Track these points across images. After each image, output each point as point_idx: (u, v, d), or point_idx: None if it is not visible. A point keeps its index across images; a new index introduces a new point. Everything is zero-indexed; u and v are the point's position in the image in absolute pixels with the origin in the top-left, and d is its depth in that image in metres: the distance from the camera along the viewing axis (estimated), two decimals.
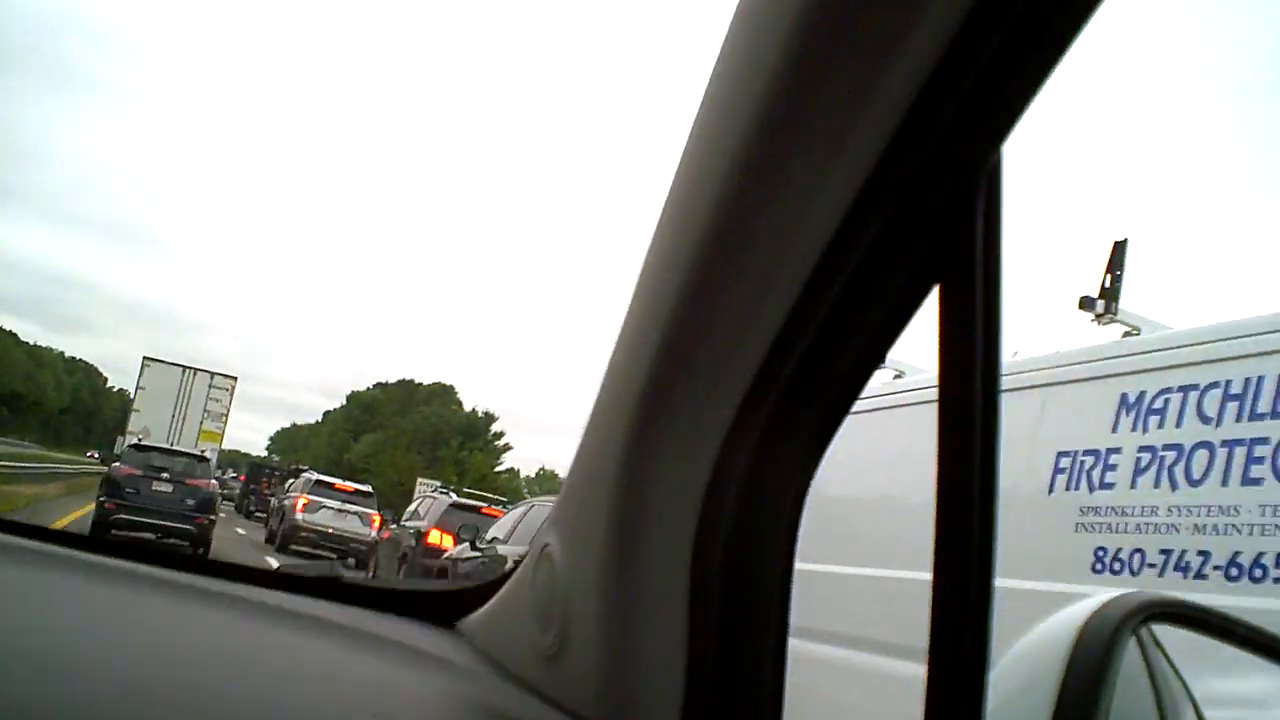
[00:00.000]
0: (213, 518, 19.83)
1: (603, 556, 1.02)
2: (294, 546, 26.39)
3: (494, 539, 14.02)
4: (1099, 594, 0.99)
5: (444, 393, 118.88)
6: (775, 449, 0.97)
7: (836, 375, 0.95)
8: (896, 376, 6.65)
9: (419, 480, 52.06)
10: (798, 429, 0.97)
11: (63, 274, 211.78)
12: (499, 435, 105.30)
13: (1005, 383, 3.78)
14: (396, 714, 1.09)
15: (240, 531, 32.35)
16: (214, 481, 21.15)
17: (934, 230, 0.83)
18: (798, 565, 4.16)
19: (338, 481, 30.47)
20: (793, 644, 4.26)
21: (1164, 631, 1.11)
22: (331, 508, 27.46)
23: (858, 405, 4.39)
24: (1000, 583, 3.44)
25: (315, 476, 30.57)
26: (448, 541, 16.81)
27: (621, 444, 0.99)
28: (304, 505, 27.35)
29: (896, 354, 6.55)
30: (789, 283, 0.87)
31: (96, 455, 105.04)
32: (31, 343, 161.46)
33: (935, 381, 3.83)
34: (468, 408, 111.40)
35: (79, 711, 0.84)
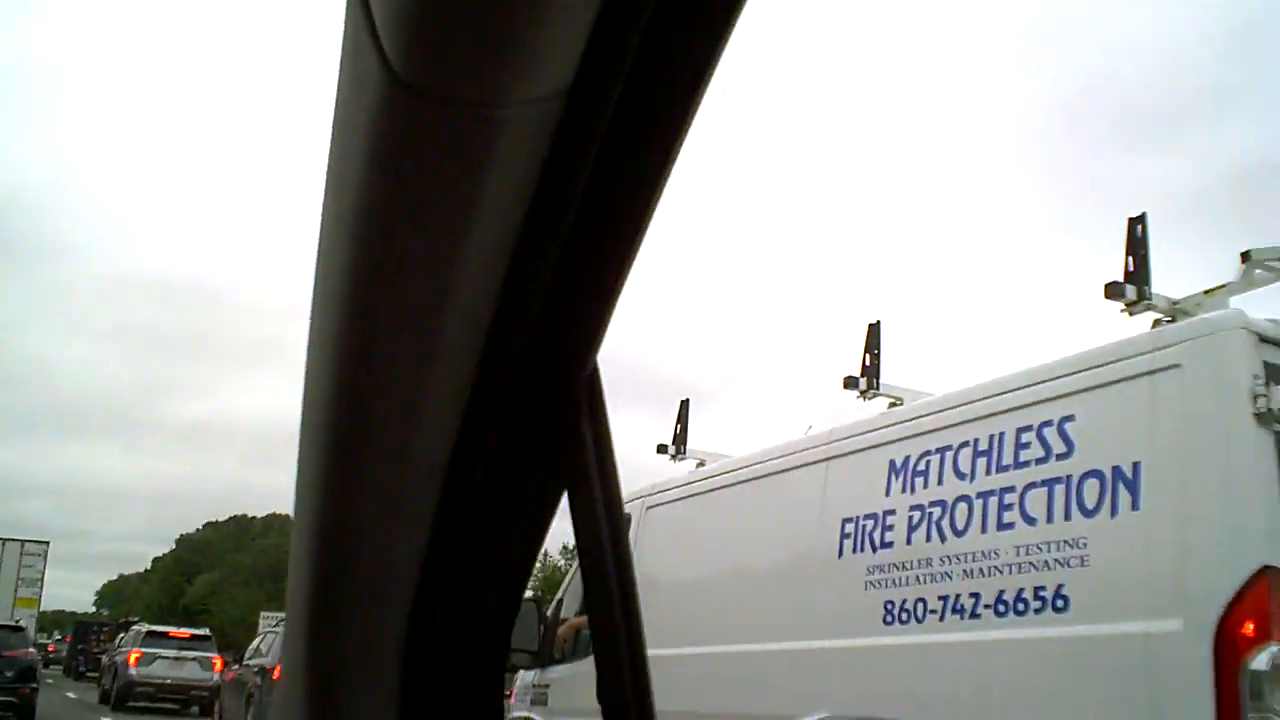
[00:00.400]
0: (34, 685, 19.32)
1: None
2: (131, 703, 25.24)
3: None
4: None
5: (280, 523, 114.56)
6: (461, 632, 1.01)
7: (497, 584, 1.02)
8: (699, 464, 7.09)
9: (261, 614, 50.01)
10: (479, 614, 1.02)
11: None
12: None
13: (795, 460, 4.25)
14: None
15: (71, 695, 31.04)
16: (32, 650, 20.83)
17: (549, 446, 0.92)
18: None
19: (171, 629, 29.37)
20: None
21: None
22: (167, 657, 26.18)
23: (668, 494, 4.73)
24: (813, 644, 3.85)
25: (146, 628, 29.14)
26: None
27: (303, 633, 1.01)
28: (137, 659, 26.03)
29: (698, 444, 6.92)
30: (421, 512, 0.92)
31: None
32: None
33: (737, 465, 4.24)
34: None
35: None
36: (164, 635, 27.70)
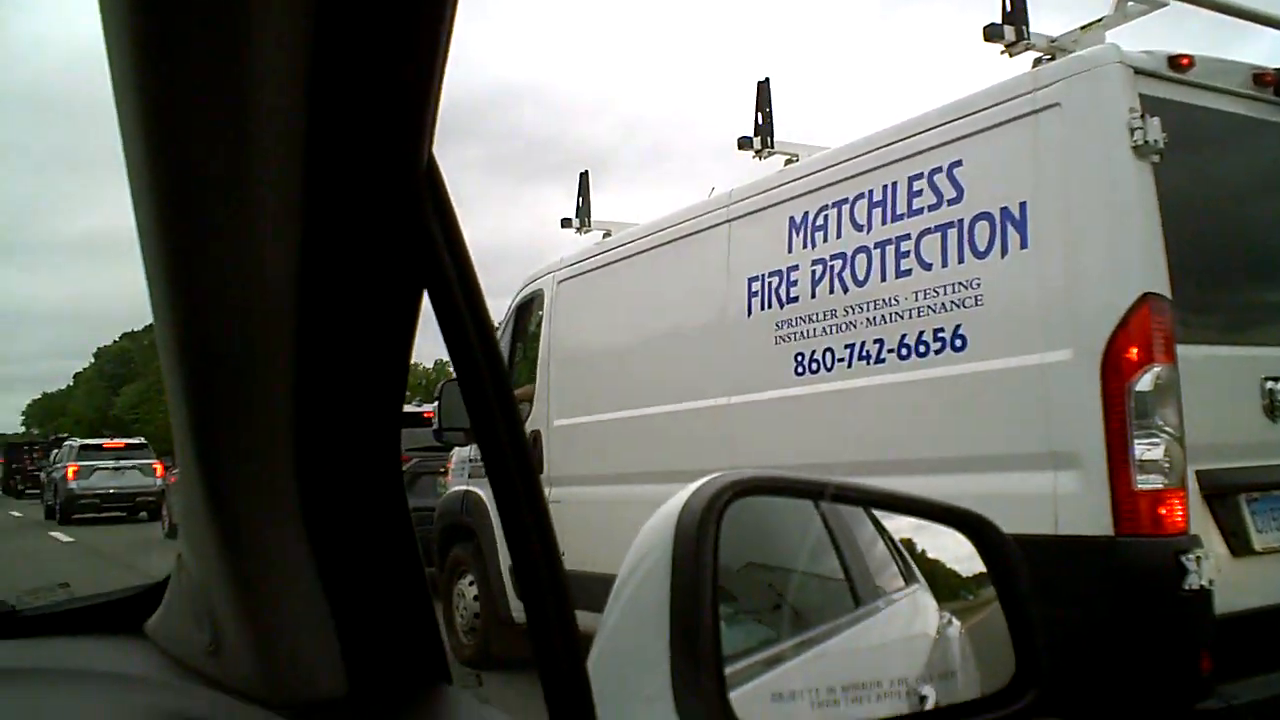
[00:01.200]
0: None
1: (217, 551, 1.04)
2: (77, 516, 25.78)
3: None
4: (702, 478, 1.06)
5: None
6: (350, 433, 1.01)
7: (372, 386, 1.01)
8: (605, 235, 7.09)
9: None
10: (362, 419, 1.02)
11: None
12: None
13: (699, 224, 4.34)
14: None
15: (16, 514, 31.40)
16: None
17: (398, 249, 0.90)
18: (561, 421, 6.26)
19: (106, 441, 30.11)
20: (570, 490, 4.73)
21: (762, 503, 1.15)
22: (106, 468, 26.76)
23: (577, 267, 4.76)
24: (731, 399, 4.05)
25: (79, 442, 29.39)
26: None
27: (194, 448, 0.98)
28: (76, 473, 26.51)
29: (603, 215, 6.92)
30: (279, 318, 0.90)
31: None
32: None
33: (642, 233, 5.22)
34: None
35: None
36: (99, 448, 28.29)
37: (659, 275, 6.15)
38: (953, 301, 4.30)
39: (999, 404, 4.14)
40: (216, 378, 0.93)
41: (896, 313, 4.59)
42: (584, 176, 7.31)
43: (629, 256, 6.36)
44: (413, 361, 1.05)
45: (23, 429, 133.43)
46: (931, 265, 4.41)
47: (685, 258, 5.92)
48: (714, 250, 5.64)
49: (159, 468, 26.27)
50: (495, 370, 0.91)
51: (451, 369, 1.00)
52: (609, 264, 6.55)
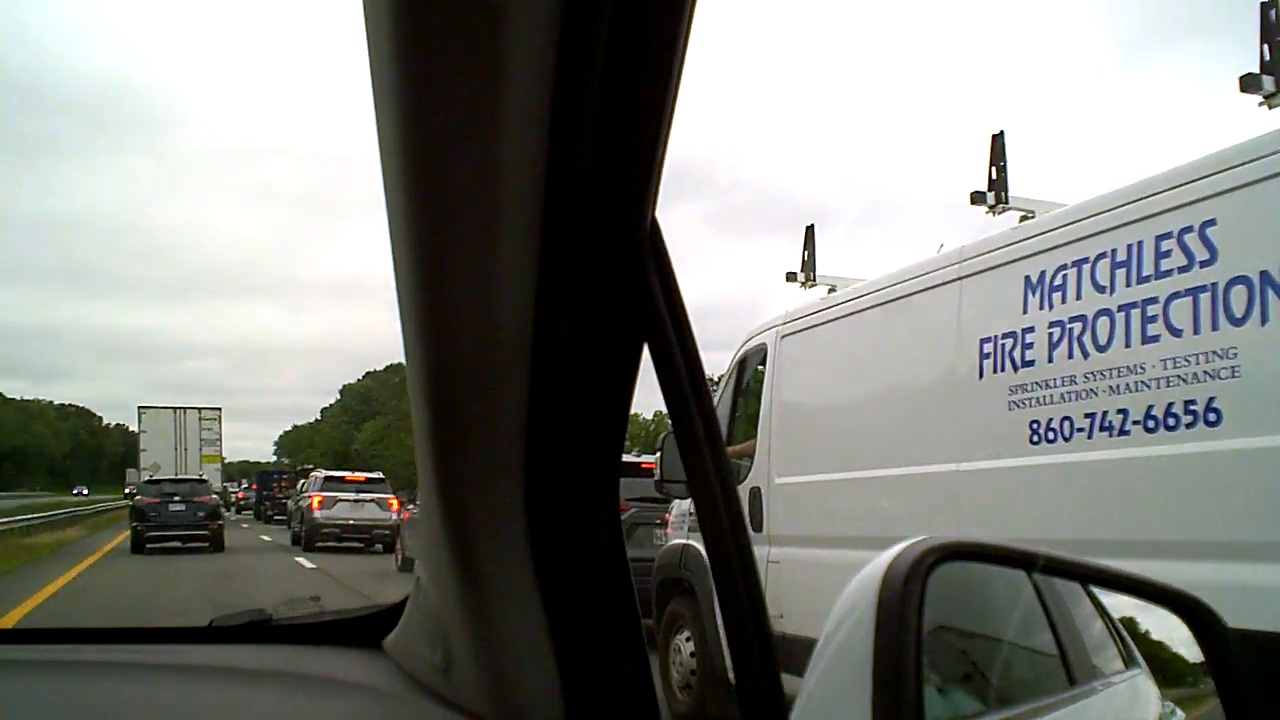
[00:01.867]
0: (220, 522, 25.74)
1: (452, 579, 1.12)
2: (319, 544, 26.59)
3: None
4: (907, 539, 1.01)
5: None
6: (573, 477, 1.07)
7: (594, 433, 1.06)
8: (830, 290, 7.00)
9: None
10: (585, 464, 1.07)
11: (36, 328, 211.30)
12: None
13: (928, 281, 4.19)
14: None
15: (265, 538, 32.79)
16: (215, 496, 27.04)
17: (621, 303, 0.97)
18: (781, 479, 6.03)
19: (348, 474, 30.77)
20: (789, 551, 5.61)
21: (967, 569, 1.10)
22: (347, 500, 27.57)
23: (801, 322, 6.24)
24: (960, 466, 3.85)
25: (324, 474, 30.70)
26: None
27: (437, 484, 1.07)
28: (320, 503, 27.48)
29: (827, 270, 6.86)
30: (515, 364, 0.97)
31: (85, 491, 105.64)
32: (19, 398, 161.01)
33: (869, 289, 5.88)
34: None
35: None
36: (341, 480, 29.22)
37: (885, 333, 6.01)
38: (1205, 372, 3.99)
39: (1256, 486, 3.80)
40: (458, 420, 1.01)
41: (1142, 381, 4.30)
42: (809, 230, 7.26)
43: (855, 312, 6.25)
44: (633, 412, 1.10)
45: (274, 458, 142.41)
46: (1181, 331, 4.11)
47: (913, 315, 5.76)
48: (944, 309, 5.47)
49: (395, 503, 27.02)
50: (709, 425, 0.97)
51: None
52: (834, 319, 6.45)
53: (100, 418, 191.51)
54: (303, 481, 35.18)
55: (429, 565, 1.21)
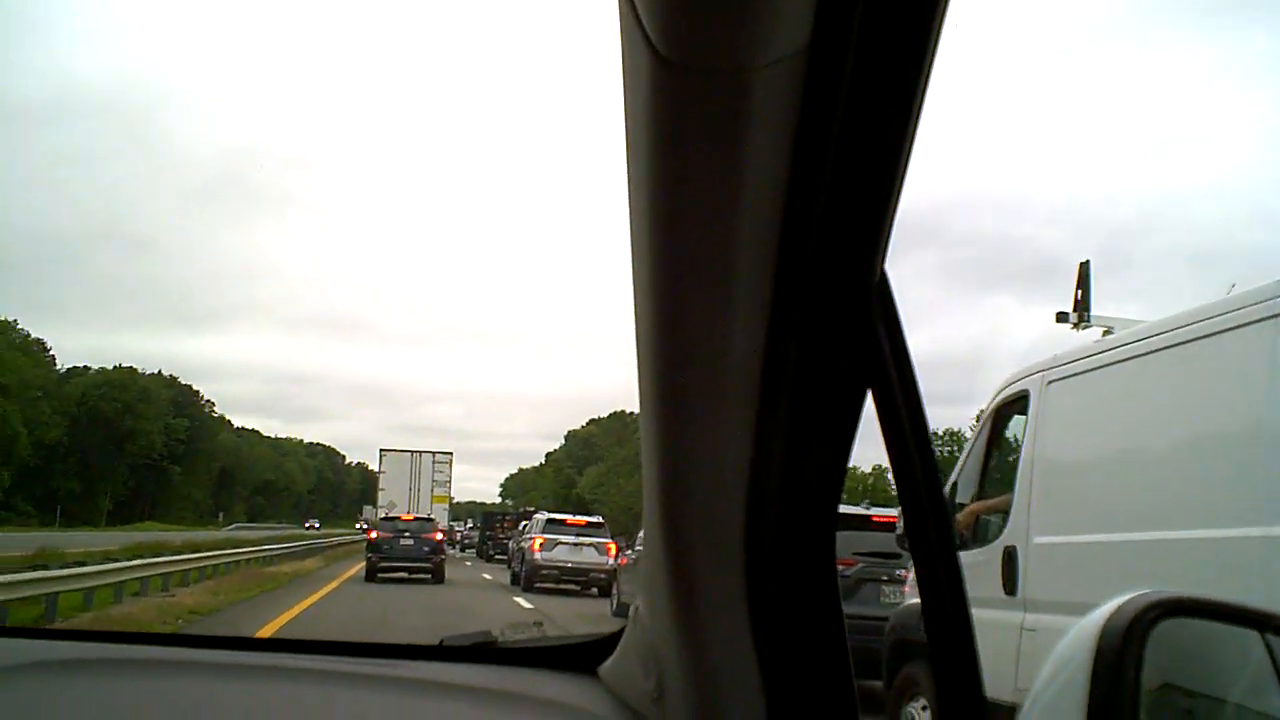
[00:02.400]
0: (443, 557, 29.09)
1: (669, 613, 1.17)
2: (538, 584, 27.09)
3: None
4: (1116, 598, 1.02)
5: None
6: (792, 523, 1.09)
7: (815, 480, 1.07)
8: (1106, 333, 6.33)
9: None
10: (804, 510, 1.09)
11: (293, 372, 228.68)
12: None
13: (1229, 321, 4.81)
14: None
15: (486, 576, 34.13)
16: (440, 533, 30.31)
17: (848, 352, 0.99)
18: (1043, 539, 5.54)
19: (569, 517, 31.22)
20: (1048, 619, 5.27)
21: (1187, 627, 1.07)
22: (567, 543, 27.73)
23: (1072, 366, 5.80)
24: (1261, 531, 3.20)
25: (546, 516, 31.04)
26: None
27: (661, 518, 1.12)
28: (540, 545, 27.72)
29: (1102, 311, 6.32)
30: (742, 408, 1.00)
31: (316, 524, 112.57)
32: (274, 436, 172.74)
33: (1156, 329, 5.07)
34: None
35: None
36: (562, 523, 29.50)
37: (1179, 378, 5.31)
38: None
39: None
40: (685, 461, 1.07)
41: None
42: (1084, 267, 6.60)
43: (1143, 354, 5.55)
44: (850, 464, 1.11)
45: (499, 499, 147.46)
46: None
47: (1212, 360, 5.05)
48: (1252, 353, 4.76)
49: (613, 548, 27.16)
50: (930, 479, 1.01)
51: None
52: (1115, 362, 5.77)
53: (344, 456, 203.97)
54: (525, 523, 35.62)
55: (647, 598, 1.27)
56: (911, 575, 7.41)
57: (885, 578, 9.02)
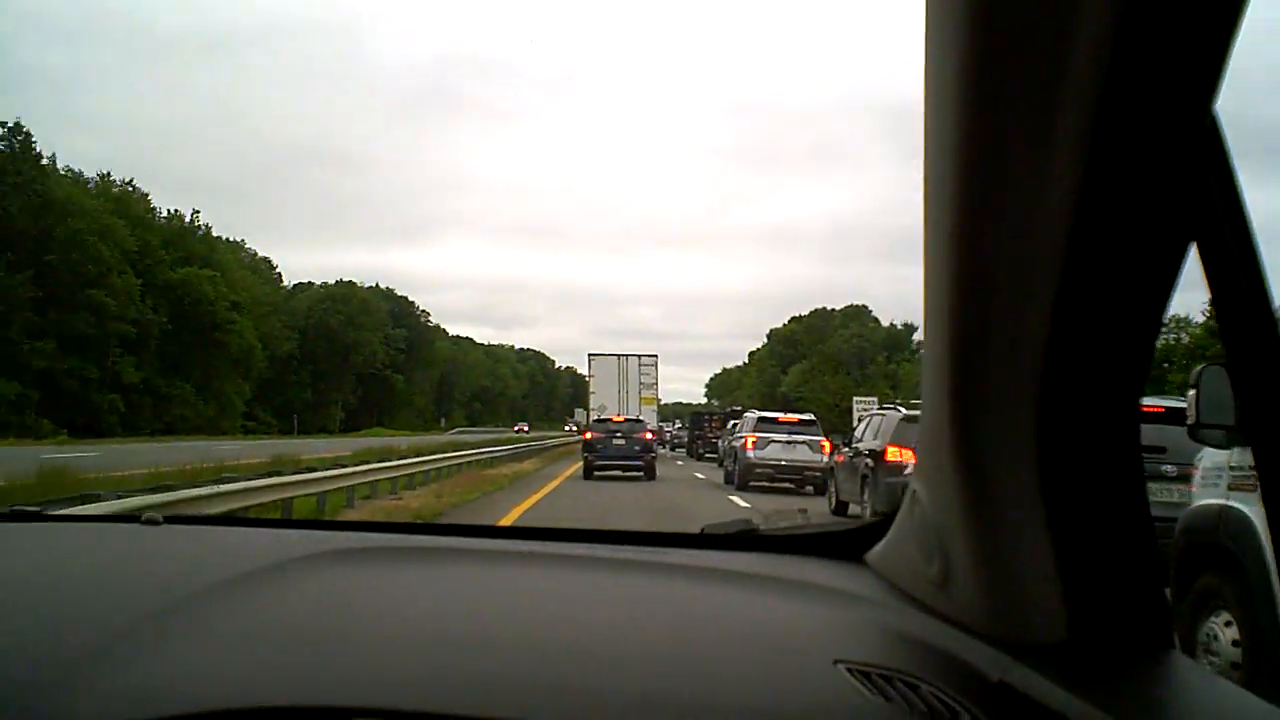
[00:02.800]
0: (653, 455, 30.99)
1: (963, 503, 1.12)
2: (752, 483, 26.69)
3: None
4: None
5: (859, 314, 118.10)
6: (1092, 397, 1.03)
7: (1120, 348, 1.00)
8: None
9: (854, 400, 51.92)
10: (1106, 382, 1.02)
11: (500, 280, 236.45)
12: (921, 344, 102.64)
13: None
14: (803, 645, 1.23)
15: (699, 475, 33.74)
16: (650, 433, 32.04)
17: (1169, 201, 0.90)
18: None
19: (780, 415, 30.54)
20: None
21: None
22: (779, 441, 27.18)
23: None
24: None
25: (757, 414, 30.53)
26: (907, 456, 15.69)
27: (950, 406, 1.08)
28: (753, 444, 27.26)
29: None
30: (1047, 270, 0.93)
31: (525, 428, 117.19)
32: (486, 343, 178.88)
33: None
34: (884, 323, 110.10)
35: (559, 682, 1.06)
36: (774, 421, 28.93)
37: None
38: None
39: None
40: (975, 332, 1.02)
41: None
42: None
43: None
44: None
45: (704, 400, 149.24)
46: None
47: None
48: None
49: (827, 445, 26.30)
50: (1273, 351, 0.93)
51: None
52: None
53: (553, 361, 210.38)
54: (735, 422, 35.41)
55: (930, 482, 1.23)
56: (1199, 470, 6.49)
57: (1164, 473, 8.25)
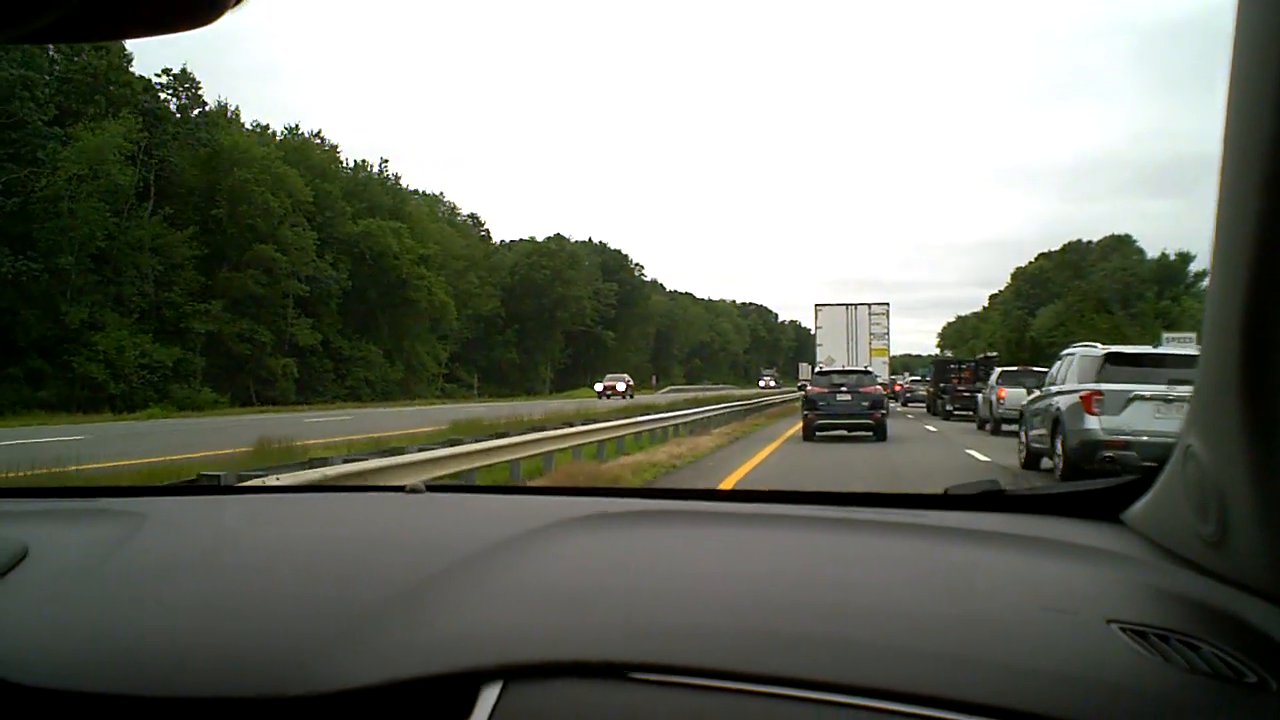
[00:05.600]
0: (884, 412, 25.82)
1: (1248, 454, 1.08)
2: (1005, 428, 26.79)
3: None
4: None
5: (1120, 244, 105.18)
6: None
7: None
8: None
9: (1165, 337, 41.61)
10: None
11: (719, 232, 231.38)
12: (1201, 274, 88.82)
13: None
14: (1070, 604, 1.18)
15: (931, 429, 29.58)
16: (879, 386, 26.92)
17: None
18: None
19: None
20: None
21: None
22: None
23: None
24: None
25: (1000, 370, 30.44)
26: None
27: (1239, 353, 1.05)
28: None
29: None
30: None
31: (773, 382, 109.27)
32: (707, 298, 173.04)
33: None
34: (1152, 255, 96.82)
35: (804, 635, 1.07)
36: (1018, 371, 29.75)
37: None
38: None
39: None
40: (1272, 259, 0.98)
41: None
42: None
43: None
44: None
45: (936, 351, 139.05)
46: None
47: None
48: None
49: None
50: None
51: None
52: None
53: (776, 314, 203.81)
54: (997, 372, 31.59)
55: (1210, 434, 1.18)
56: None
57: None
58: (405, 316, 67.90)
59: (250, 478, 6.85)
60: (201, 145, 53.73)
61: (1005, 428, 26.89)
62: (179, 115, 53.79)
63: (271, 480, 6.74)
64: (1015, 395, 26.04)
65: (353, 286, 62.32)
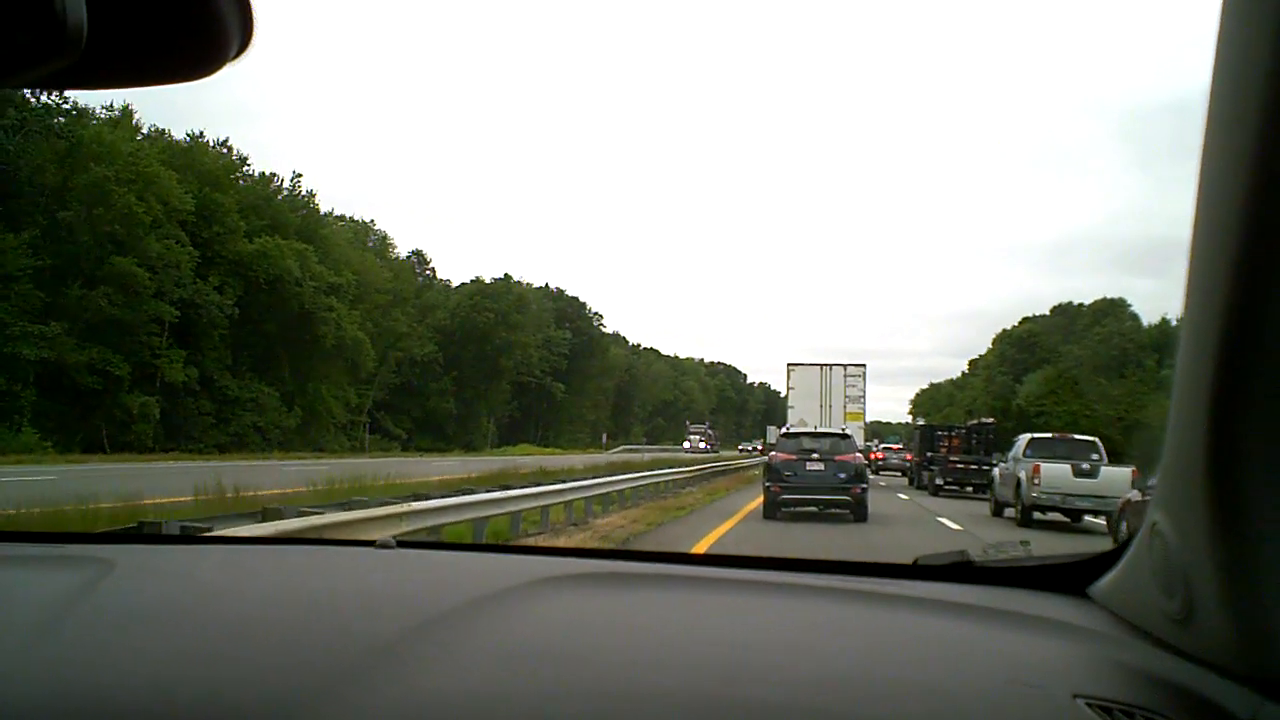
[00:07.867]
0: (865, 486, 21.43)
1: (1213, 533, 1.06)
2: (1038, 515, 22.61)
3: None
4: None
5: (1112, 308, 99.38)
6: None
7: None
8: None
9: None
10: None
11: (687, 294, 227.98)
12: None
13: None
14: (1037, 679, 1.17)
15: (947, 523, 22.03)
16: (859, 454, 22.54)
17: None
18: None
19: (1059, 434, 26.77)
20: None
21: None
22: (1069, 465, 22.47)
23: None
24: None
25: (1029, 436, 25.47)
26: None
27: (1206, 432, 1.02)
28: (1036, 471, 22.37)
29: None
30: None
31: (756, 446, 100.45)
32: (673, 354, 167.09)
33: None
34: (1146, 322, 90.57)
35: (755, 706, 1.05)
36: (1053, 440, 25.22)
37: None
38: None
39: None
40: (1238, 342, 0.97)
41: None
42: None
43: None
44: None
45: (910, 418, 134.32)
46: None
47: None
48: None
49: (1133, 472, 21.73)
50: None
51: None
52: None
53: (745, 375, 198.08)
54: (1024, 440, 26.07)
55: (1176, 511, 1.16)
56: None
57: None
58: (310, 354, 58.76)
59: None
60: (58, 137, 45.17)
61: (1038, 515, 22.21)
62: (34, 102, 45.24)
63: (244, 531, 7.08)
64: (1056, 474, 21.74)
65: (243, 315, 53.00)
